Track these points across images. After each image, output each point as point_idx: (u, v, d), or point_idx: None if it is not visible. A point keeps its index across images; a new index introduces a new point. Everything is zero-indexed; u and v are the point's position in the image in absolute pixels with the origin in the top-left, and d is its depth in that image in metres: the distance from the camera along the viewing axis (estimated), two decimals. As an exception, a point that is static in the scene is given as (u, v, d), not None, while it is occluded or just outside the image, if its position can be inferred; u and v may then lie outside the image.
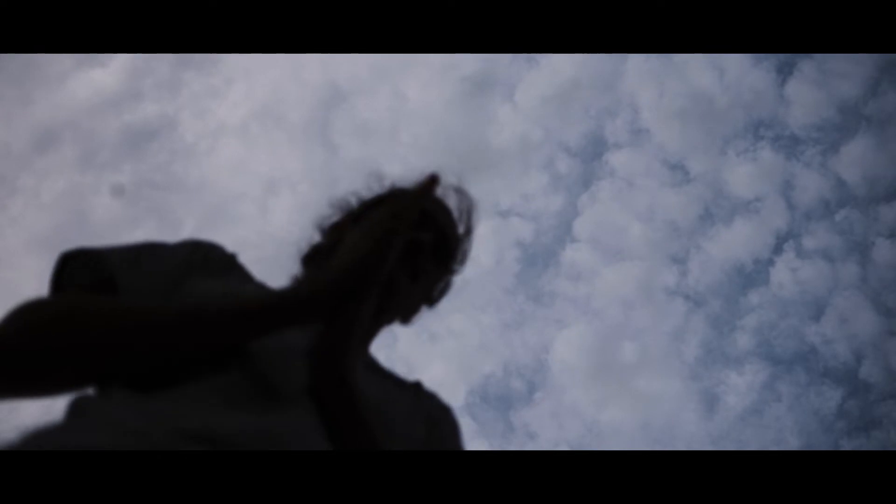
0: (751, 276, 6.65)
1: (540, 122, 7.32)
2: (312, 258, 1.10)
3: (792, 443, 6.17)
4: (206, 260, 0.91)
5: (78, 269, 0.86)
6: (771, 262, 6.59)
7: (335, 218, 1.13)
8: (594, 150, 7.16)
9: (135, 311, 0.74)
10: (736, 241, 6.77)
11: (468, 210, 1.15)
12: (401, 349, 6.61)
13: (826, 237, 6.60)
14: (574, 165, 7.19)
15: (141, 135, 7.16)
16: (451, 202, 1.13)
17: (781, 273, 6.57)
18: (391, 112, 7.14)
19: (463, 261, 1.16)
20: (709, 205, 6.84)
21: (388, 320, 1.06)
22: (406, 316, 1.12)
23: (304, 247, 1.12)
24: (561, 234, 6.98)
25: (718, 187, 6.91)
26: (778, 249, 6.61)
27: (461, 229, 1.14)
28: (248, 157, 7.59)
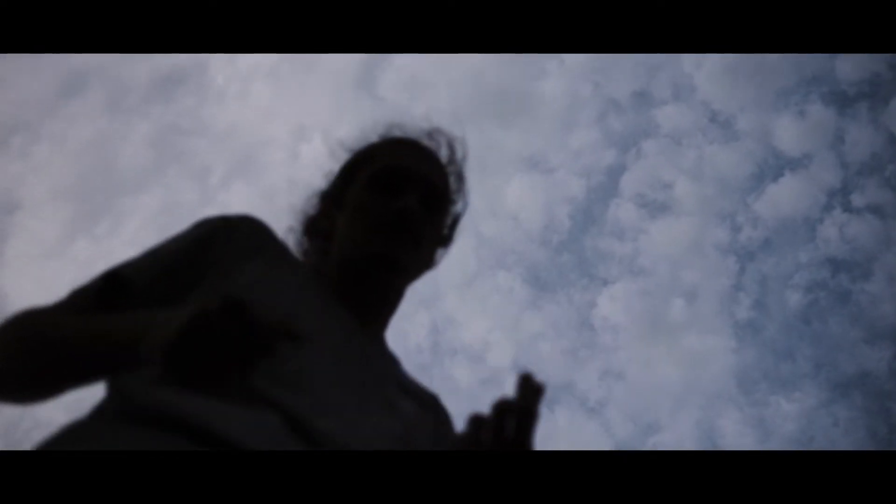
0: (799, 232, 6.53)
1: (588, 76, 7.13)
2: (313, 233, 1.13)
3: (841, 409, 6.12)
4: (231, 241, 0.95)
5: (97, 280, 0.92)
6: (820, 220, 6.45)
7: (323, 188, 1.15)
8: (642, 106, 6.98)
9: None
10: (784, 198, 6.62)
11: (447, 144, 1.15)
12: (446, 307, 6.62)
13: (877, 193, 6.43)
14: (621, 121, 7.02)
15: (169, 78, 7.12)
16: (429, 143, 1.14)
17: (830, 230, 6.43)
18: (432, 58, 6.93)
19: (461, 191, 1.17)
20: (758, 160, 6.69)
21: (411, 279, 1.09)
22: (429, 265, 1.15)
23: (301, 216, 1.14)
24: (608, 190, 6.86)
25: (767, 143, 6.74)
26: (828, 206, 6.45)
27: (446, 163, 1.14)
28: (280, 102, 7.53)
